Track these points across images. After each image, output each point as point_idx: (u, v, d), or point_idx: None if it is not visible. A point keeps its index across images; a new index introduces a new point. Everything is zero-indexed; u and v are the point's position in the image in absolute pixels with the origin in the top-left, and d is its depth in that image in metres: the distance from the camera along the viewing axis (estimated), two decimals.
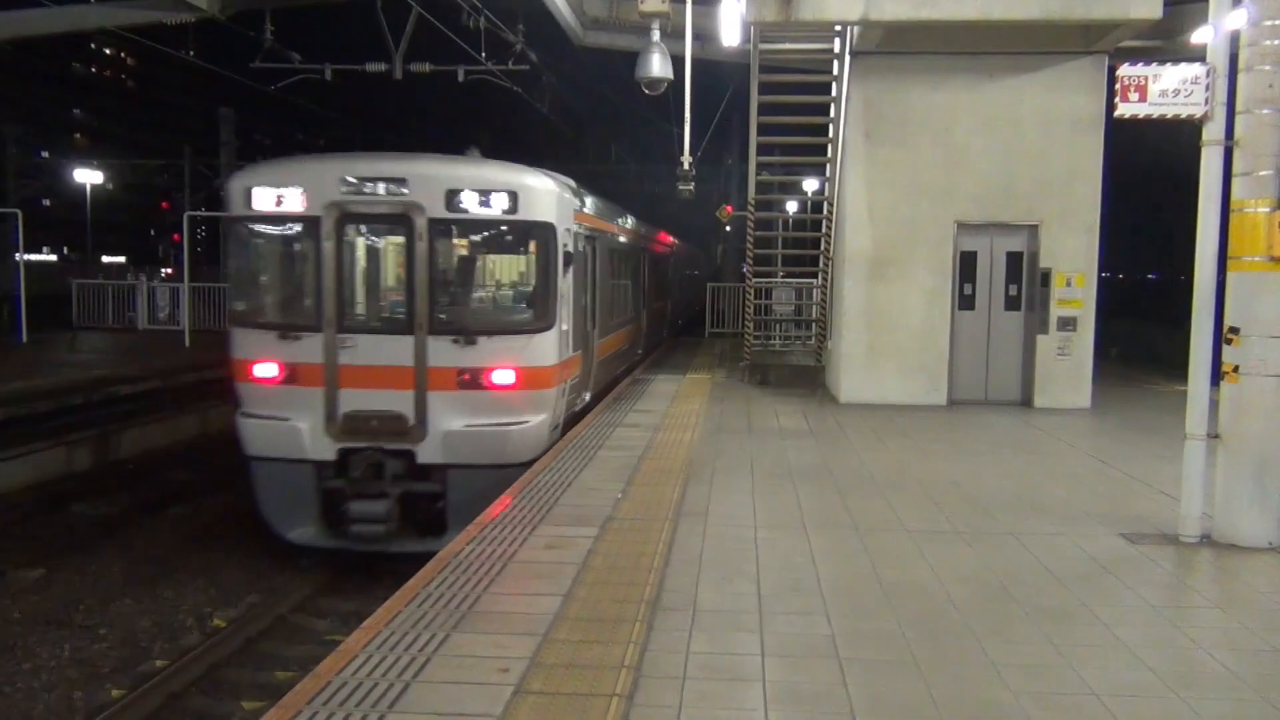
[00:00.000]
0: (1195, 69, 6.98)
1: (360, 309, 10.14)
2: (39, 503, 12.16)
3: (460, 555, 6.45)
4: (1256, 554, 6.87)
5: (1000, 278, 13.99)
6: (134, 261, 52.57)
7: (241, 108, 44.48)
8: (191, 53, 20.54)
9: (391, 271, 10.30)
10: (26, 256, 25.83)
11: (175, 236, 51.39)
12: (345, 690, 4.42)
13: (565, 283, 10.45)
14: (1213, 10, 6.93)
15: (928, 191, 13.80)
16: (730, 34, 13.87)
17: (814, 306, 17.17)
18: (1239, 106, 6.85)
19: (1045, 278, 13.68)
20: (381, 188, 9.67)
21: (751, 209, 15.58)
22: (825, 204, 15.25)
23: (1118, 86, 7.05)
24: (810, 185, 24.93)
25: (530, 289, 10.27)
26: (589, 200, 12.88)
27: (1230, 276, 6.88)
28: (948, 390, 13.86)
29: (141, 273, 33.62)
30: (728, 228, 34.87)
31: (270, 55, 19.60)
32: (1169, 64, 7.06)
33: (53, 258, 65.58)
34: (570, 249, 10.68)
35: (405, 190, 9.64)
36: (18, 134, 48.39)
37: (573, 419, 11.76)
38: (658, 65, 12.48)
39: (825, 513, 7.91)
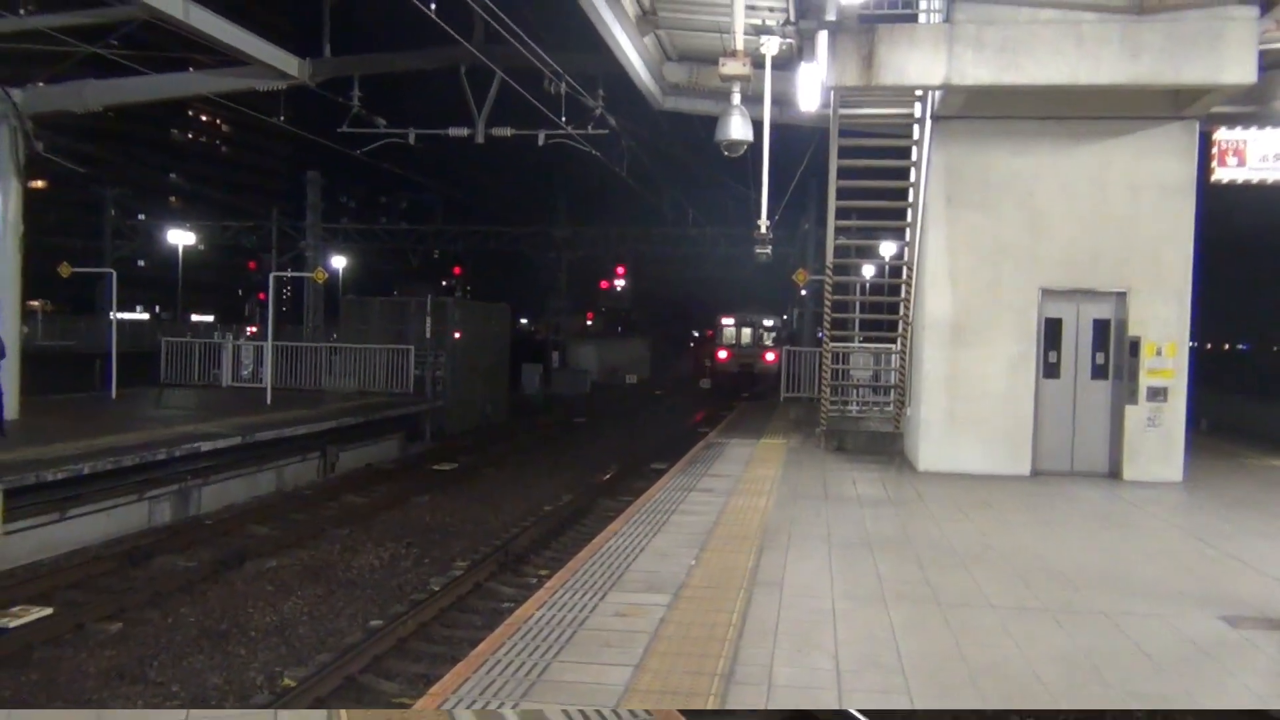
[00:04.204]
0: None
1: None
2: (121, 556, 12.36)
3: (530, 620, 6.34)
4: None
5: (1087, 345, 13.62)
6: (221, 320, 54.01)
7: (327, 170, 45.82)
8: (282, 118, 21.15)
9: (749, 335, 43.19)
10: (120, 315, 26.63)
11: (260, 295, 52.75)
12: None
13: (778, 337, 41.72)
14: None
15: (1011, 256, 13.55)
16: (809, 99, 13.86)
17: (893, 372, 16.92)
18: None
19: (1134, 346, 13.27)
20: (749, 317, 43.39)
21: (829, 273, 15.45)
22: (905, 268, 15.06)
23: (1215, 151, 6.87)
24: (888, 249, 24.72)
25: (775, 338, 41.87)
26: (775, 317, 44.39)
27: None
28: (1031, 460, 13.46)
29: (228, 331, 34.52)
30: (803, 291, 35.50)
31: (357, 120, 20.17)
32: (1268, 128, 6.85)
33: (145, 316, 67.74)
34: (778, 329, 43.38)
35: (753, 321, 43.85)
36: (116, 197, 50.24)
37: (774, 374, 32.12)
38: (738, 128, 12.49)
39: (905, 585, 7.65)
